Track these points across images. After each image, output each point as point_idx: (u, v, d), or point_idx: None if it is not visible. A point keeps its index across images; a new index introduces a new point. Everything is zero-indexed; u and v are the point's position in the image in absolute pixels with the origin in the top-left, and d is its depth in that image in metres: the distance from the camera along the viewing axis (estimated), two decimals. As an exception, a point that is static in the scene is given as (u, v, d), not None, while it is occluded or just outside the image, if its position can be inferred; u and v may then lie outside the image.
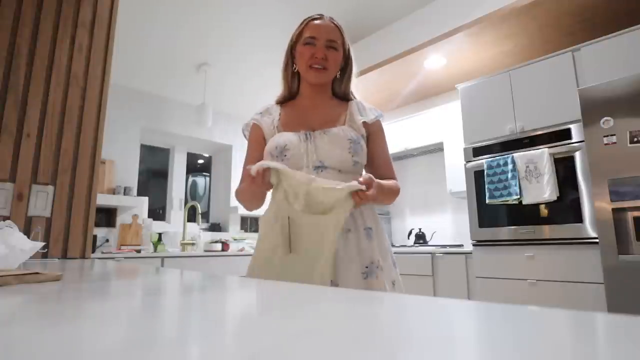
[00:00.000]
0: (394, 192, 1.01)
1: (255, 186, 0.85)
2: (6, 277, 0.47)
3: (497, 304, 0.30)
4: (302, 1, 2.81)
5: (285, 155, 0.93)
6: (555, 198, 2.28)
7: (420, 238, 3.52)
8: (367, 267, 0.89)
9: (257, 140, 1.05)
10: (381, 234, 0.97)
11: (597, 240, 2.08)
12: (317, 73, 0.99)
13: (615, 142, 2.01)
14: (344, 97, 1.10)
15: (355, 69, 1.10)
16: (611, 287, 1.96)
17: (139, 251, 2.95)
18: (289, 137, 0.96)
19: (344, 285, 0.86)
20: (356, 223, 0.93)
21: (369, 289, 0.88)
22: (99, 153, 1.41)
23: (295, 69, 1.05)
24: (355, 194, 0.83)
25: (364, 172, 1.03)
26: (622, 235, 1.95)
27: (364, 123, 1.03)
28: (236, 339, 0.20)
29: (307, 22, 1.02)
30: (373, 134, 1.05)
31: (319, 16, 1.03)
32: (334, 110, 1.05)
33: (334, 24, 1.03)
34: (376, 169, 1.05)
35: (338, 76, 1.07)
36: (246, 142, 1.10)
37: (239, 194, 1.01)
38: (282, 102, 1.10)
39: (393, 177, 1.05)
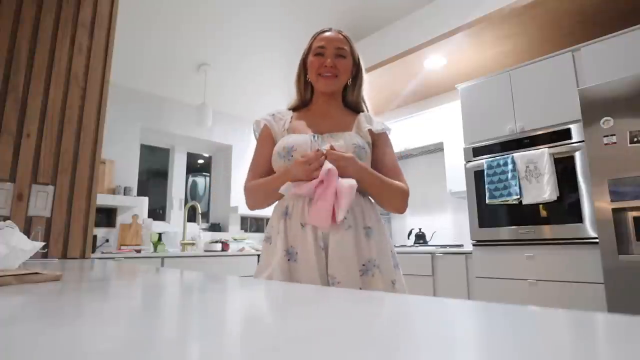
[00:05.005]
0: (393, 188, 1.00)
1: (309, 170, 0.89)
2: (6, 277, 0.47)
3: (497, 304, 0.30)
4: (301, 2, 2.81)
5: (292, 156, 0.97)
6: (555, 198, 2.28)
7: (420, 238, 3.52)
8: (364, 265, 0.90)
9: (267, 139, 1.09)
10: (382, 235, 0.97)
11: (597, 240, 2.08)
12: (327, 80, 1.06)
13: (615, 142, 2.01)
14: (355, 107, 1.15)
15: (366, 78, 1.15)
16: (611, 287, 1.96)
17: (139, 251, 2.94)
18: (296, 139, 1.00)
19: (340, 279, 0.87)
20: (356, 221, 0.93)
21: (365, 286, 0.89)
22: (99, 153, 1.41)
23: (307, 79, 1.11)
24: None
25: None
26: (622, 235, 1.95)
27: (370, 131, 1.07)
28: (236, 339, 0.20)
29: (317, 35, 1.11)
30: (379, 141, 1.08)
31: (327, 29, 1.11)
32: (343, 119, 1.10)
33: (342, 35, 1.10)
34: (384, 175, 1.07)
35: (349, 84, 1.13)
36: (248, 140, 1.12)
37: (253, 189, 1.04)
38: (295, 109, 1.15)
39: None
